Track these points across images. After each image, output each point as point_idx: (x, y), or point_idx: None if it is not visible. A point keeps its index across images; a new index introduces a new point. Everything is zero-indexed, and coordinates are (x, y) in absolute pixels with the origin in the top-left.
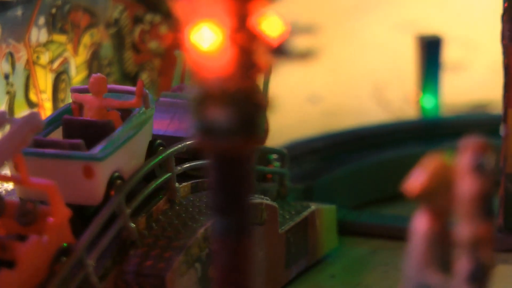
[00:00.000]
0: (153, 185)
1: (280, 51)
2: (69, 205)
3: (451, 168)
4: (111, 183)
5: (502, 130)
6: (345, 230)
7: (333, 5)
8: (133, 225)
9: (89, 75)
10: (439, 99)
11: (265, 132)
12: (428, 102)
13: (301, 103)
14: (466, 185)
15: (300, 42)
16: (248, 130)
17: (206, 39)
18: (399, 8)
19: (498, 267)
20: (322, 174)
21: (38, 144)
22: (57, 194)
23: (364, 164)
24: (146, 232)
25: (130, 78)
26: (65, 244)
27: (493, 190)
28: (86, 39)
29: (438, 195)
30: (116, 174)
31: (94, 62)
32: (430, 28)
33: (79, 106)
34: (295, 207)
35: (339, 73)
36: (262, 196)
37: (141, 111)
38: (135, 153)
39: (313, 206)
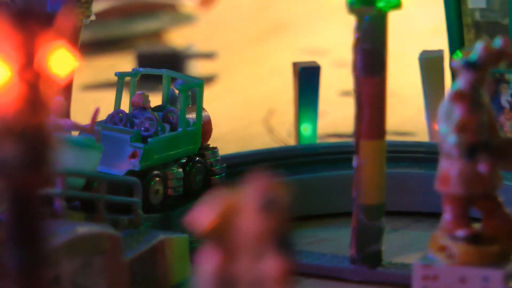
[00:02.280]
0: None
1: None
2: None
3: (239, 205)
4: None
5: (354, 161)
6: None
7: (238, 32)
8: None
9: None
10: (316, 127)
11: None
12: (306, 129)
13: None
14: (253, 223)
15: (201, 67)
16: (36, 166)
17: None
18: (303, 36)
19: None
20: (181, 203)
21: None
22: None
23: None
24: None
25: None
26: None
27: (288, 226)
28: None
29: (226, 233)
30: None
31: None
32: (331, 55)
33: None
34: (145, 236)
35: (235, 98)
36: (105, 226)
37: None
38: (81, 165)
39: (162, 235)
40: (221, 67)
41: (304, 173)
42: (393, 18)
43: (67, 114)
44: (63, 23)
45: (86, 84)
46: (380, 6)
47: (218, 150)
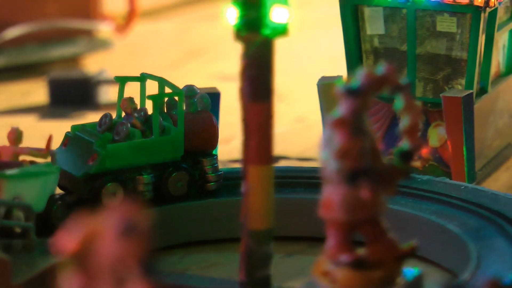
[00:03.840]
0: None
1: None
2: None
3: (100, 230)
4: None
5: (243, 187)
6: None
7: (154, 57)
8: None
9: None
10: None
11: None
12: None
13: None
14: (113, 248)
15: (112, 93)
16: None
17: None
18: (217, 61)
19: None
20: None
21: None
22: None
23: None
24: None
25: None
26: None
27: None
28: None
29: (88, 258)
30: (17, 199)
31: None
32: None
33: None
34: (37, 260)
35: None
36: None
37: (47, 162)
38: (36, 192)
39: (55, 259)
40: (132, 93)
41: (202, 199)
42: (302, 44)
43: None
44: None
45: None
46: (266, 33)
47: (216, 158)
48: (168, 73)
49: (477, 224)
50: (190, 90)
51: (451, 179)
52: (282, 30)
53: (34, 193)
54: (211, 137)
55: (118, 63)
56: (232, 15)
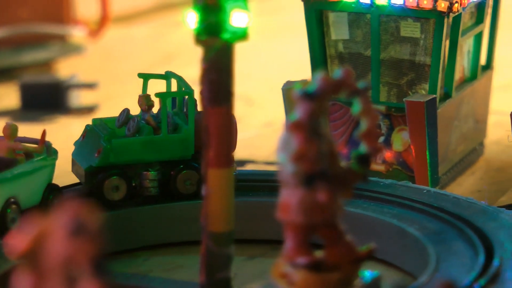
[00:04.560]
0: None
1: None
2: None
3: (51, 230)
4: (7, 205)
5: (203, 190)
6: None
7: (127, 62)
8: None
9: None
10: None
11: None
12: None
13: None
14: (63, 248)
15: (83, 97)
16: None
17: None
18: (189, 66)
19: None
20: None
21: None
22: None
23: None
24: None
25: None
26: None
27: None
28: None
29: (38, 257)
30: (12, 200)
31: None
32: None
33: None
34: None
35: None
36: None
37: (41, 157)
38: (32, 188)
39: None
40: (103, 97)
41: (167, 202)
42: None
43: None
44: None
45: None
46: (225, 38)
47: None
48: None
49: (437, 227)
50: None
51: (414, 183)
52: (241, 35)
53: (29, 190)
54: None
55: (91, 67)
56: (192, 19)
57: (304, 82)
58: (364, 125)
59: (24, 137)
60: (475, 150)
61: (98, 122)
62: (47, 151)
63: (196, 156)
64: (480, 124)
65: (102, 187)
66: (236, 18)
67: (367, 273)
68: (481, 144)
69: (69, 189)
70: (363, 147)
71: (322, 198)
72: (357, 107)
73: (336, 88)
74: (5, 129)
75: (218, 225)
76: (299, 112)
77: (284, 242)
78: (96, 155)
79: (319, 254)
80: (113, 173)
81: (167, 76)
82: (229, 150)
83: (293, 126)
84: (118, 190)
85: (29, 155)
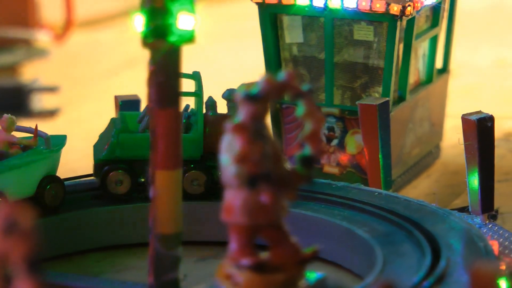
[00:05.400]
0: None
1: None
2: None
3: None
4: None
5: (150, 191)
6: None
7: (91, 66)
8: None
9: None
10: None
11: None
12: None
13: None
14: None
15: (45, 101)
16: None
17: None
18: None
19: None
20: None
21: None
22: None
23: None
24: None
25: None
26: None
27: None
28: None
29: None
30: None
31: None
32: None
33: None
34: None
35: (77, 131)
36: None
37: (37, 149)
38: (24, 181)
39: None
40: (66, 101)
41: (117, 204)
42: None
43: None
44: None
45: None
46: (172, 41)
47: None
48: (105, 81)
49: (386, 229)
50: (231, 94)
51: (368, 185)
52: (188, 37)
53: (20, 182)
54: None
55: (55, 71)
56: (139, 22)
57: (247, 84)
58: (308, 127)
59: (17, 137)
60: (431, 153)
61: (121, 116)
62: (46, 144)
63: (205, 158)
64: (437, 127)
65: (106, 180)
66: (182, 21)
67: (313, 274)
68: (438, 147)
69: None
70: (307, 149)
71: (265, 200)
72: (301, 109)
73: (280, 90)
74: (2, 121)
75: (166, 227)
76: (241, 114)
77: (229, 244)
78: (105, 148)
79: (264, 255)
80: (119, 167)
81: (196, 76)
82: (177, 152)
83: (235, 128)
84: (122, 184)
85: (27, 147)
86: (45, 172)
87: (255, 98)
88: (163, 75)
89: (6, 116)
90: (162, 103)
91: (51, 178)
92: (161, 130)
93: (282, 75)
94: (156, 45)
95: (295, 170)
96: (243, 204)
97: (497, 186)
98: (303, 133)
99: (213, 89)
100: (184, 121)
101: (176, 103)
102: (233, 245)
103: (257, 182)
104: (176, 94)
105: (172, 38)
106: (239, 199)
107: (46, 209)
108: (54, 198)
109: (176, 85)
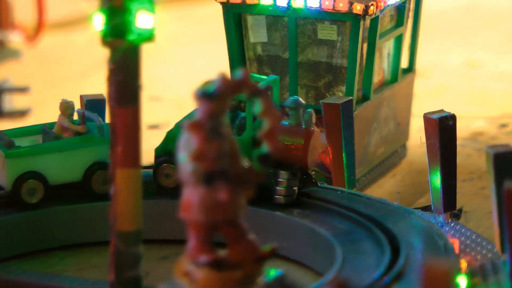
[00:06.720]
0: None
1: None
2: None
3: None
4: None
5: (110, 190)
6: None
7: (64, 67)
8: None
9: None
10: None
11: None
12: None
13: None
14: None
15: (16, 101)
16: None
17: None
18: None
19: None
20: None
21: None
22: None
23: None
24: None
25: None
26: None
27: None
28: None
29: None
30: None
31: None
32: (149, 89)
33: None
34: None
35: None
36: None
37: (86, 136)
38: (66, 165)
39: None
40: (37, 101)
41: (85, 202)
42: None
43: None
44: None
45: None
46: (131, 39)
47: (296, 174)
48: (76, 82)
49: (347, 228)
50: (293, 102)
51: (332, 184)
52: (147, 36)
53: (60, 166)
54: (300, 154)
55: (27, 72)
56: (98, 21)
57: (205, 82)
58: (265, 125)
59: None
60: (397, 153)
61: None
62: (99, 132)
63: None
64: (403, 127)
65: (157, 173)
66: (141, 20)
67: (272, 271)
68: (404, 147)
69: None
70: (265, 147)
71: (222, 197)
72: (258, 107)
73: (236, 88)
74: (60, 106)
75: (126, 225)
76: (198, 112)
77: (187, 241)
78: None
79: (222, 252)
80: (166, 160)
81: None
82: (137, 150)
83: (191, 126)
84: (168, 177)
85: (79, 133)
86: (94, 159)
87: (211, 96)
88: (122, 73)
89: (64, 100)
90: (122, 101)
91: (100, 165)
92: (120, 128)
93: (238, 73)
94: (115, 43)
95: (252, 168)
96: (200, 201)
97: (462, 185)
98: (260, 131)
99: (182, 90)
100: (237, 122)
101: (136, 101)
102: (191, 242)
103: (213, 179)
104: (135, 92)
105: (131, 37)
106: (196, 196)
107: (92, 195)
108: (101, 185)
109: (135, 83)
